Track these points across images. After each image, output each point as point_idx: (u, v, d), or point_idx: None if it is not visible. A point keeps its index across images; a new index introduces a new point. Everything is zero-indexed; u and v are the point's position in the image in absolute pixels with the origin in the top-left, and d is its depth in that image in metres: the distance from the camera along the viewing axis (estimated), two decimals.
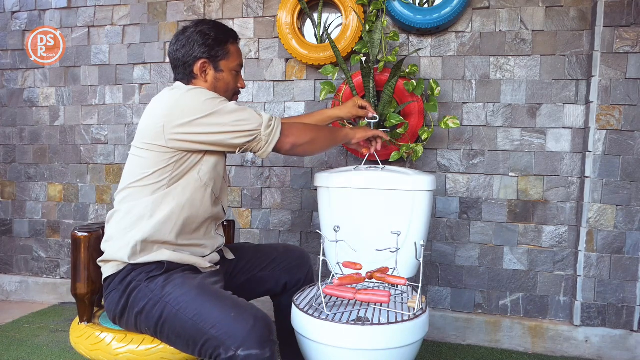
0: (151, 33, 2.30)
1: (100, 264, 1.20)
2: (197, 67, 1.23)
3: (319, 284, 1.33)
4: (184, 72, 1.25)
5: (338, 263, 1.44)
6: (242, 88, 1.35)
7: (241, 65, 1.32)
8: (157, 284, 1.10)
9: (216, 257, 1.29)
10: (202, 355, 1.04)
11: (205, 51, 1.23)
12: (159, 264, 1.14)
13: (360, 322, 1.11)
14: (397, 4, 1.91)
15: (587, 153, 1.85)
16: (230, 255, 1.39)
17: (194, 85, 1.25)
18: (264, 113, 1.21)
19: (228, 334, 0.99)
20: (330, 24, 2.09)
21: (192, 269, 1.19)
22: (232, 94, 1.33)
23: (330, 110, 1.59)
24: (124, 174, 1.21)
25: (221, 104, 1.15)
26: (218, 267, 1.29)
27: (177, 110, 1.12)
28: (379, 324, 1.11)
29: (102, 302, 1.26)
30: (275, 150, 1.23)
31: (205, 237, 1.25)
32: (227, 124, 1.14)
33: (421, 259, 1.30)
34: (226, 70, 1.27)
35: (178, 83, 1.26)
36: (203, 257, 1.23)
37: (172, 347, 1.11)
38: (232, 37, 1.28)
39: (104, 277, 1.18)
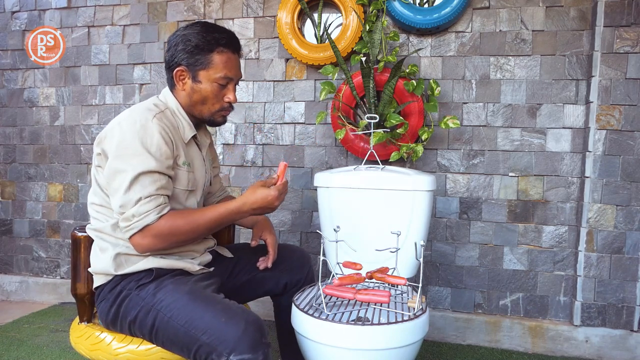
0: (151, 33, 2.30)
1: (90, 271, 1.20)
2: (175, 74, 1.18)
3: (319, 284, 1.33)
4: (168, 77, 1.22)
5: (338, 263, 1.44)
6: (230, 102, 1.21)
7: (229, 78, 1.18)
8: (147, 292, 1.10)
9: (207, 257, 1.27)
10: None
11: (185, 58, 1.15)
12: (148, 271, 1.13)
13: (360, 322, 1.11)
14: (397, 4, 1.91)
15: (587, 153, 1.85)
16: (228, 254, 1.38)
17: (176, 93, 1.21)
18: (140, 208, 1.04)
19: (220, 339, 0.99)
20: (330, 24, 2.09)
21: (183, 273, 1.18)
22: (215, 109, 1.21)
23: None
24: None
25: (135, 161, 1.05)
26: (212, 269, 1.27)
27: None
28: (379, 324, 1.11)
29: (94, 311, 1.26)
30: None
31: (191, 243, 1.22)
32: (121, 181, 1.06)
33: (421, 259, 1.30)
34: (205, 81, 1.16)
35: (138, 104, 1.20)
36: (193, 259, 1.22)
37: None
38: (221, 45, 1.16)
39: (94, 285, 1.18)
